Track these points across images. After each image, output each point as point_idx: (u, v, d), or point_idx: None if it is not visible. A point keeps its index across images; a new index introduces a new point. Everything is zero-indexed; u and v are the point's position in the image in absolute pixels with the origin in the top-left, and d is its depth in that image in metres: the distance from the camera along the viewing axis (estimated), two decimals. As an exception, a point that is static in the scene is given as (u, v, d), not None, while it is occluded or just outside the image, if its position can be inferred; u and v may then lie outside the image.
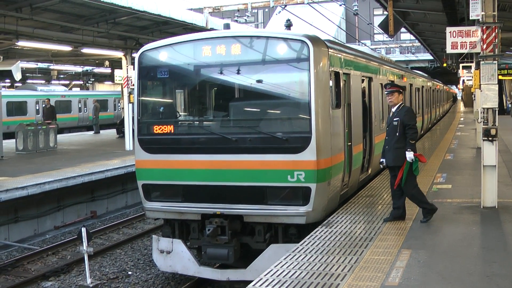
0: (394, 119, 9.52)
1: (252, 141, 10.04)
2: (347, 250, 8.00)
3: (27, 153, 24.04)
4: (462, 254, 7.78)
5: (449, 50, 13.95)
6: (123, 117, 27.11)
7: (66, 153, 24.41)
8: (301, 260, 7.64)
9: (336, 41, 16.68)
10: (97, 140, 32.16)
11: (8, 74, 22.56)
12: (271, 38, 10.31)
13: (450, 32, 13.72)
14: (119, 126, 32.55)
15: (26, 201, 15.97)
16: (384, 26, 20.26)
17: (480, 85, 10.92)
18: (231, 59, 10.37)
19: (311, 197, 9.68)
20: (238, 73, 10.44)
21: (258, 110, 10.75)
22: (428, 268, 7.14)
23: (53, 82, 49.22)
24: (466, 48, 13.58)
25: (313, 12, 25.33)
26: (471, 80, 26.12)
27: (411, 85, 22.05)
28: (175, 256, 10.71)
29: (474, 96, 22.58)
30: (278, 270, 7.23)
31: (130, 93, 24.39)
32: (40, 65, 38.51)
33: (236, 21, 37.21)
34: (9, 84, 45.94)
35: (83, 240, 10.79)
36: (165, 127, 10.74)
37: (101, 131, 37.96)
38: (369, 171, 13.78)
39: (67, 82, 53.32)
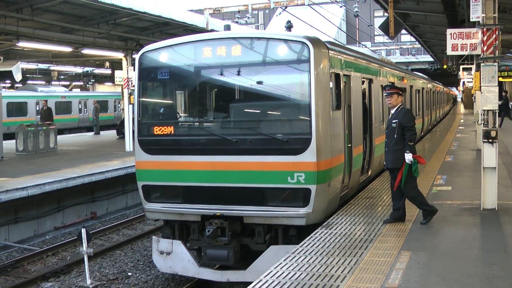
0: (393, 121, 9.52)
1: (252, 142, 10.04)
2: (347, 252, 8.00)
3: (27, 154, 24.05)
4: (462, 256, 7.78)
5: (449, 52, 13.91)
6: (123, 118, 27.11)
7: (66, 154, 24.41)
8: (301, 261, 7.64)
9: (337, 42, 16.69)
10: (97, 141, 32.17)
11: (8, 75, 22.57)
12: (272, 40, 10.31)
13: (451, 34, 13.69)
14: (119, 127, 32.56)
15: (26, 201, 15.97)
16: (384, 27, 20.27)
17: (480, 87, 10.92)
18: (232, 61, 10.38)
19: (311, 198, 9.68)
20: (238, 74, 10.45)
21: (259, 111, 10.76)
22: (428, 270, 7.14)
23: (53, 83, 49.24)
24: (466, 50, 13.55)
25: (314, 14, 25.37)
26: (472, 82, 26.12)
27: (411, 86, 22.05)
28: (175, 257, 10.71)
29: (475, 98, 22.59)
30: (278, 272, 7.23)
31: (130, 94, 24.40)
32: (41, 66, 38.51)
33: (237, 22, 37.23)
34: (9, 85, 45.99)
35: (83, 241, 10.80)
36: (165, 128, 10.74)
37: (101, 132, 37.97)
38: (369, 173, 13.79)
39: (68, 83, 53.34)
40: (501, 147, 19.17)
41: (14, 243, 15.47)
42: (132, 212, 19.55)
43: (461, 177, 14.43)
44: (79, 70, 43.39)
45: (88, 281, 11.01)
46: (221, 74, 10.70)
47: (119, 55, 25.63)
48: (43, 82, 48.77)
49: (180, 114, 11.65)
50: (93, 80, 52.22)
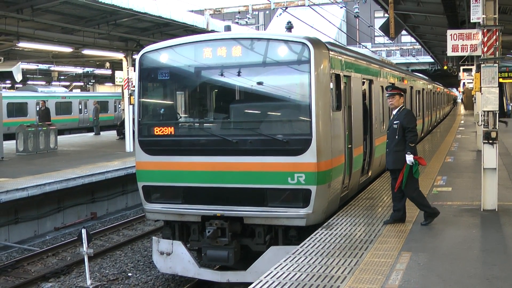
0: (394, 122, 9.52)
1: (253, 143, 10.04)
2: (347, 253, 8.00)
3: (27, 154, 24.05)
4: (462, 257, 7.79)
5: (449, 52, 13.91)
6: (124, 118, 27.12)
7: (66, 154, 24.42)
8: (301, 262, 7.64)
9: (337, 43, 16.68)
10: (97, 141, 32.18)
11: (8, 75, 22.57)
12: (272, 40, 10.31)
13: (451, 34, 13.70)
14: (120, 128, 32.56)
15: (26, 202, 15.97)
16: (385, 28, 20.26)
17: (480, 88, 10.92)
18: (232, 61, 10.38)
19: (311, 199, 9.68)
20: (238, 75, 10.45)
21: (259, 112, 10.76)
22: (428, 271, 7.14)
23: (53, 83, 49.24)
24: (466, 51, 13.55)
25: (314, 15, 25.36)
26: (472, 83, 26.12)
27: (411, 87, 22.06)
28: (175, 258, 10.71)
29: (475, 99, 22.59)
30: (278, 272, 7.23)
31: (130, 95, 24.40)
32: (41, 66, 38.51)
33: (237, 23, 37.20)
34: (9, 85, 46.00)
35: (83, 241, 10.80)
36: (165, 129, 10.75)
37: (102, 133, 37.98)
38: (369, 174, 13.79)
39: (68, 83, 53.36)
40: (501, 148, 19.18)
41: (14, 244, 15.47)
42: (132, 213, 19.55)
43: (461, 178, 14.43)
44: (79, 70, 43.39)
45: (88, 282, 11.02)
46: (222, 74, 10.70)
47: (119, 55, 25.64)
48: (43, 83, 48.78)
49: (181, 115, 11.65)
50: (93, 81, 52.24)
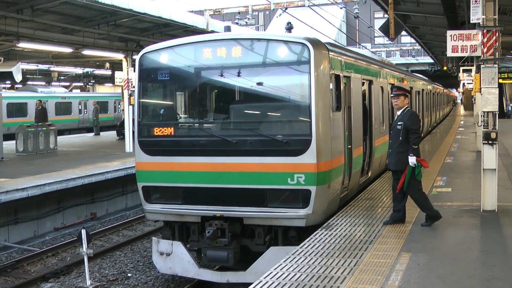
0: (398, 123, 9.51)
1: (253, 143, 10.04)
2: (347, 253, 8.00)
3: (27, 155, 24.05)
4: (462, 258, 7.79)
5: (449, 53, 13.92)
6: (123, 119, 27.12)
7: (66, 154, 24.42)
8: (301, 262, 7.64)
9: (337, 44, 16.69)
10: (97, 142, 32.18)
11: (8, 76, 22.58)
12: (272, 41, 10.31)
13: (451, 35, 13.71)
14: (119, 128, 32.56)
15: (26, 202, 15.97)
16: (385, 29, 20.26)
17: (480, 88, 10.93)
18: (232, 62, 10.38)
19: (311, 199, 9.69)
20: (238, 75, 10.45)
21: (259, 112, 10.77)
22: (428, 271, 7.14)
23: (53, 83, 49.24)
24: (466, 52, 13.56)
25: (314, 15, 25.37)
26: (472, 83, 26.12)
27: (411, 88, 22.06)
28: (175, 258, 10.71)
29: (474, 100, 22.59)
30: (277, 273, 7.23)
31: (130, 95, 24.41)
32: (41, 66, 38.51)
33: (237, 23, 37.19)
34: (9, 86, 45.98)
35: (83, 241, 10.80)
36: (165, 129, 10.74)
37: (101, 133, 37.98)
38: (369, 174, 13.79)
39: (68, 83, 53.35)
40: (501, 149, 19.19)
41: (14, 244, 15.47)
42: (132, 213, 19.55)
43: (461, 179, 14.43)
44: (79, 71, 43.39)
45: (88, 282, 11.02)
46: (221, 75, 10.71)
47: (119, 56, 25.65)
48: (43, 83, 48.77)
49: (180, 115, 11.65)
50: (93, 81, 52.23)
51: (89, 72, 44.75)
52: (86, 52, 24.21)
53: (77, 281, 12.36)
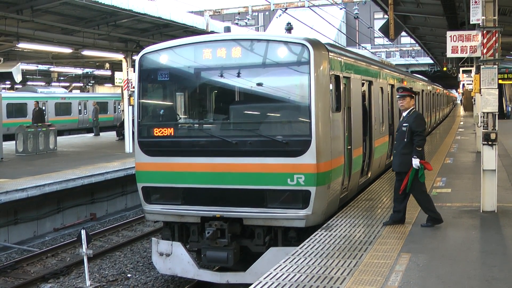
0: (403, 125, 9.50)
1: (252, 144, 10.04)
2: (346, 254, 8.00)
3: (27, 155, 24.05)
4: (462, 258, 7.79)
5: (449, 54, 13.93)
6: (123, 119, 27.13)
7: (66, 155, 24.42)
8: (301, 263, 7.64)
9: (337, 44, 16.69)
10: (97, 142, 32.18)
11: (8, 76, 22.61)
12: (272, 41, 10.31)
13: (451, 36, 13.72)
14: (119, 129, 32.56)
15: (26, 203, 15.97)
16: (384, 30, 20.27)
17: (480, 89, 10.93)
18: (232, 62, 10.39)
19: (311, 200, 9.68)
20: (238, 76, 10.46)
21: (258, 113, 10.76)
22: (428, 272, 7.14)
23: (53, 84, 49.25)
24: (466, 53, 13.57)
25: (314, 16, 25.37)
26: (471, 84, 26.13)
27: (411, 89, 22.05)
28: (174, 259, 10.71)
29: (474, 100, 22.59)
30: (277, 273, 7.23)
31: (130, 96, 24.42)
32: (41, 67, 38.53)
33: (237, 24, 37.26)
34: (9, 86, 45.98)
35: (83, 242, 10.80)
36: (165, 130, 10.74)
37: (101, 134, 37.98)
38: (369, 175, 13.79)
39: (67, 84, 53.36)
40: (501, 150, 19.20)
41: (14, 244, 15.47)
42: (132, 214, 19.55)
43: (460, 179, 14.44)
44: (79, 71, 43.39)
45: (88, 283, 11.02)
46: (221, 75, 10.70)
47: (119, 56, 25.65)
48: (43, 83, 48.77)
49: (180, 116, 11.65)
50: (93, 82, 52.24)
51: (89, 73, 44.77)
52: (86, 52, 24.22)
53: (76, 281, 12.36)
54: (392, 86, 17.36)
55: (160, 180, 10.70)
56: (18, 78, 22.54)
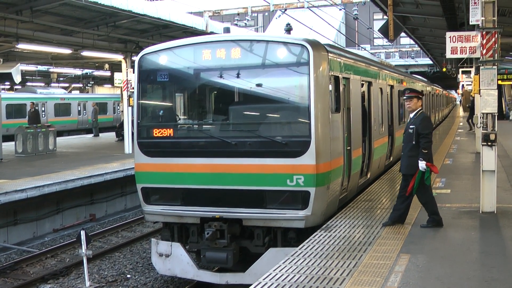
0: (410, 127, 9.48)
1: (252, 145, 10.04)
2: (346, 255, 8.00)
3: (26, 156, 24.05)
4: (461, 259, 7.79)
5: (448, 55, 13.95)
6: (123, 120, 27.13)
7: (65, 156, 24.42)
8: (300, 264, 7.64)
9: (336, 45, 16.69)
10: (96, 143, 32.18)
11: (8, 77, 22.61)
12: (271, 42, 10.32)
13: (450, 37, 13.74)
14: (118, 129, 32.56)
15: (25, 203, 15.97)
16: (384, 30, 20.29)
17: (479, 90, 10.94)
18: (231, 63, 10.39)
19: (310, 201, 9.68)
20: (238, 77, 10.46)
21: (258, 114, 10.77)
22: (427, 273, 7.14)
23: (52, 84, 49.25)
24: (465, 53, 13.58)
25: (313, 16, 25.39)
26: (471, 85, 26.16)
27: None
28: (174, 260, 10.71)
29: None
30: (277, 274, 7.24)
31: (129, 96, 24.42)
32: (40, 67, 38.54)
33: (236, 25, 37.23)
34: (8, 87, 45.99)
35: (82, 243, 10.80)
36: (164, 131, 10.74)
37: (101, 134, 37.97)
38: (368, 176, 13.79)
39: (67, 85, 53.37)
40: (500, 151, 19.20)
41: (13, 245, 15.47)
42: (131, 214, 19.54)
43: (460, 180, 14.44)
44: (78, 72, 43.40)
45: (87, 283, 11.02)
46: (221, 76, 10.70)
47: (118, 57, 25.66)
48: (42, 84, 48.78)
49: (180, 117, 11.65)
50: (92, 82, 52.24)
51: (88, 74, 44.77)
52: (85, 53, 24.23)
53: (76, 282, 12.35)
54: (392, 87, 17.36)
55: (159, 181, 10.70)
56: (17, 78, 22.55)
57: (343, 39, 54.11)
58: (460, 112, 68.73)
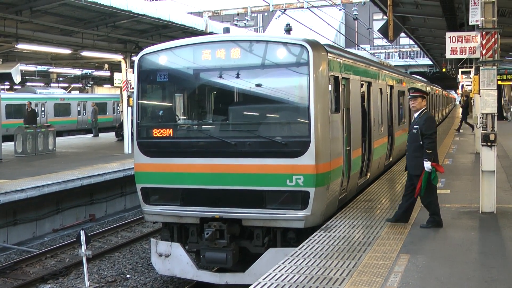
0: (414, 127, 9.48)
1: (251, 145, 10.04)
2: (345, 255, 8.00)
3: (26, 156, 24.04)
4: (461, 259, 7.79)
5: (448, 55, 13.96)
6: (122, 120, 27.13)
7: (65, 156, 24.41)
8: (300, 264, 7.64)
9: (336, 45, 16.68)
10: (96, 143, 32.17)
11: (7, 77, 22.60)
12: (271, 42, 10.32)
13: (450, 37, 13.75)
14: (118, 129, 32.56)
15: (25, 204, 15.97)
16: (384, 31, 20.30)
17: (479, 90, 10.94)
18: (231, 63, 10.39)
19: (310, 201, 9.68)
20: (237, 77, 10.45)
21: (257, 114, 10.77)
22: (427, 273, 7.14)
23: (52, 85, 49.26)
24: (465, 54, 13.60)
25: (313, 17, 25.40)
26: (470, 85, 26.16)
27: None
28: (173, 260, 10.71)
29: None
30: (276, 274, 7.23)
31: (129, 97, 24.42)
32: (40, 68, 38.55)
33: (236, 25, 37.23)
34: (8, 87, 45.99)
35: (82, 243, 10.80)
36: (164, 131, 10.74)
37: (100, 134, 37.98)
38: (368, 176, 13.79)
39: (66, 85, 53.37)
40: (500, 151, 19.20)
41: (13, 245, 15.46)
42: (131, 215, 19.54)
43: (459, 181, 14.44)
44: (78, 72, 43.42)
45: (87, 283, 11.01)
46: (220, 76, 10.70)
47: (118, 57, 25.65)
48: (42, 84, 48.78)
49: (179, 117, 11.64)
50: (92, 82, 52.27)
51: (88, 74, 44.79)
52: (85, 53, 24.23)
53: (76, 282, 12.35)
54: (391, 87, 17.36)
55: (159, 181, 10.70)
56: (17, 79, 22.55)
57: (342, 40, 54.14)
58: (460, 112, 68.76)
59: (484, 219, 10.20)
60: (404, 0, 19.50)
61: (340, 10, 35.81)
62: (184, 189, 10.49)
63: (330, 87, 10.33)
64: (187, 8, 39.33)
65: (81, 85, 53.00)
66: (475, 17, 10.58)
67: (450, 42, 13.57)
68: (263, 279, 7.07)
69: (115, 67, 31.96)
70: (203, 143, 10.57)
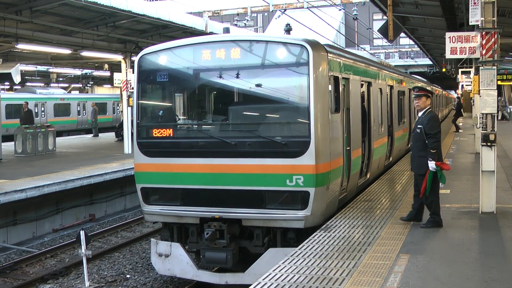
0: (418, 126, 9.48)
1: (251, 145, 10.04)
2: (345, 255, 8.00)
3: (26, 156, 24.04)
4: (461, 259, 7.79)
5: (448, 55, 13.97)
6: (122, 120, 27.13)
7: (65, 156, 24.41)
8: (300, 264, 7.64)
9: (335, 45, 16.69)
10: (96, 143, 32.17)
11: (7, 77, 22.61)
12: (271, 42, 10.32)
13: (450, 37, 13.75)
14: (118, 129, 32.56)
15: (25, 203, 15.97)
16: (383, 31, 20.30)
17: (479, 90, 10.94)
18: (231, 63, 10.38)
19: (310, 201, 9.68)
20: (237, 77, 10.45)
21: (257, 114, 10.76)
22: (427, 273, 7.14)
23: (52, 85, 49.26)
24: (465, 54, 13.60)
25: (313, 17, 25.40)
26: (470, 85, 26.16)
27: (410, 90, 22.06)
28: (173, 260, 10.71)
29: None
30: (276, 274, 7.24)
31: (129, 97, 24.43)
32: (40, 68, 38.55)
33: (236, 25, 37.23)
34: (8, 87, 46.00)
35: (82, 243, 10.80)
36: (164, 131, 10.74)
37: (100, 134, 37.97)
38: (368, 176, 13.79)
39: (66, 85, 53.37)
40: (500, 151, 19.20)
41: (13, 245, 15.46)
42: (131, 215, 19.54)
43: (459, 181, 14.44)
44: (78, 72, 43.44)
45: (87, 284, 11.01)
46: (220, 76, 10.70)
47: (118, 57, 25.66)
48: (42, 84, 48.78)
49: (179, 117, 11.64)
50: (92, 82, 52.28)
51: (88, 74, 44.80)
52: (85, 53, 24.23)
53: (75, 282, 12.36)
54: (391, 87, 17.36)
55: (159, 181, 10.70)
56: (17, 79, 22.56)
57: (342, 40, 54.14)
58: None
59: (484, 219, 10.21)
60: (404, 0, 19.49)
61: (340, 10, 35.83)
62: (184, 189, 10.49)
63: (330, 87, 10.33)
64: (187, 8, 39.33)
65: (81, 85, 53.01)
66: (475, 17, 10.59)
67: (450, 42, 13.58)
68: (263, 279, 7.07)
69: (115, 67, 31.97)
70: (203, 143, 10.57)
